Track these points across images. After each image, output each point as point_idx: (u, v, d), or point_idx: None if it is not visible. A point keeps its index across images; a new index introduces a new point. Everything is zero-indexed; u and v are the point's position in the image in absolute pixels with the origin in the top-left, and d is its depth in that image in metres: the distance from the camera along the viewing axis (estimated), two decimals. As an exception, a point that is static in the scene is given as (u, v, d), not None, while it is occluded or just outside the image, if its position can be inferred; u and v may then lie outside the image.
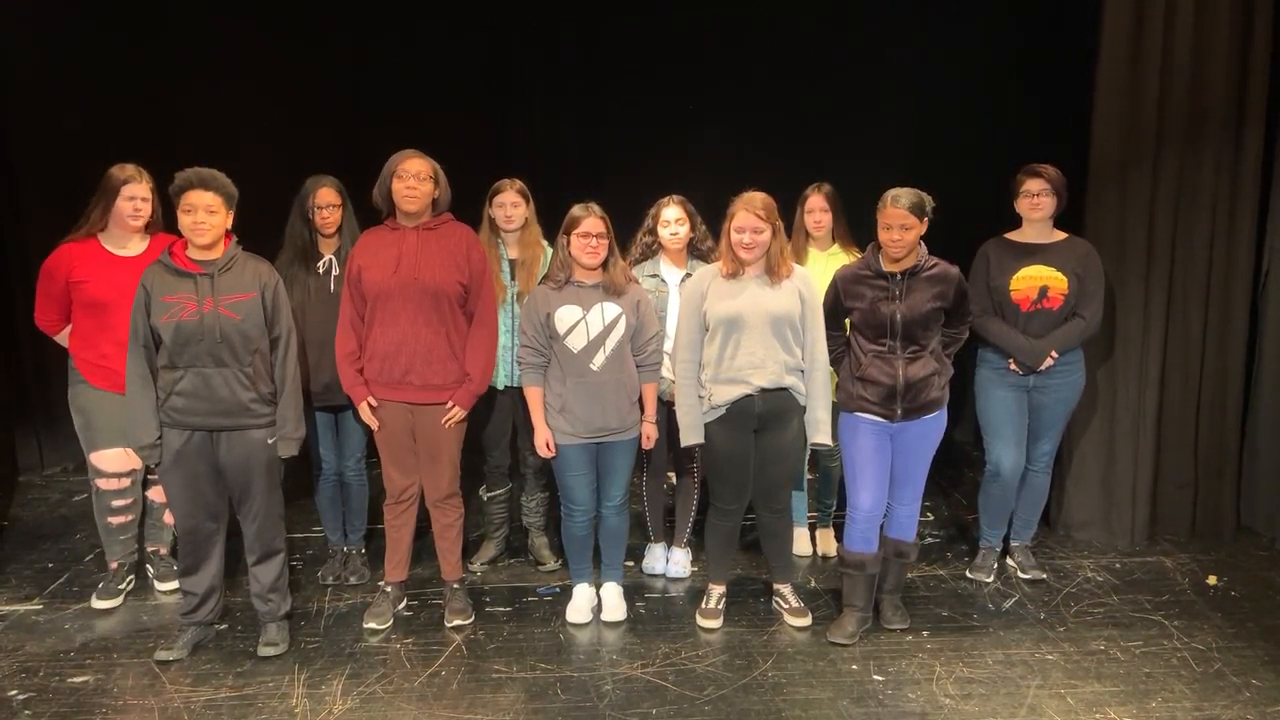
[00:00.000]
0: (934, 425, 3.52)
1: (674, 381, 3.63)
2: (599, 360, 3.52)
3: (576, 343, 3.50)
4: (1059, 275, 3.84)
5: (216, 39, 5.15)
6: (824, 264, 4.00)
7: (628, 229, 3.91)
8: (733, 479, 3.58)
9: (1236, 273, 4.34)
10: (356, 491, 4.04)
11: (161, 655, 3.45)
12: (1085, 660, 3.46)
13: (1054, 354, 3.85)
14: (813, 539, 4.38)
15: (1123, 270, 4.25)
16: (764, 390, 3.45)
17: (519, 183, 3.91)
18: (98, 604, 3.85)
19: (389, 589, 3.77)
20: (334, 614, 3.80)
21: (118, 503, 3.82)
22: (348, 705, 3.18)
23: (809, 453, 3.97)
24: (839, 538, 3.87)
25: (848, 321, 3.57)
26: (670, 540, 4.19)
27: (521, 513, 4.29)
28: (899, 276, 3.40)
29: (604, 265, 3.53)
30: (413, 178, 3.45)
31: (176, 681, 3.32)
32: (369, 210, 3.66)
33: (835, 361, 3.59)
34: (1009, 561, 4.17)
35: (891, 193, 3.37)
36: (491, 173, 4.01)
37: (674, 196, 3.87)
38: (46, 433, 5.46)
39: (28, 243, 4.97)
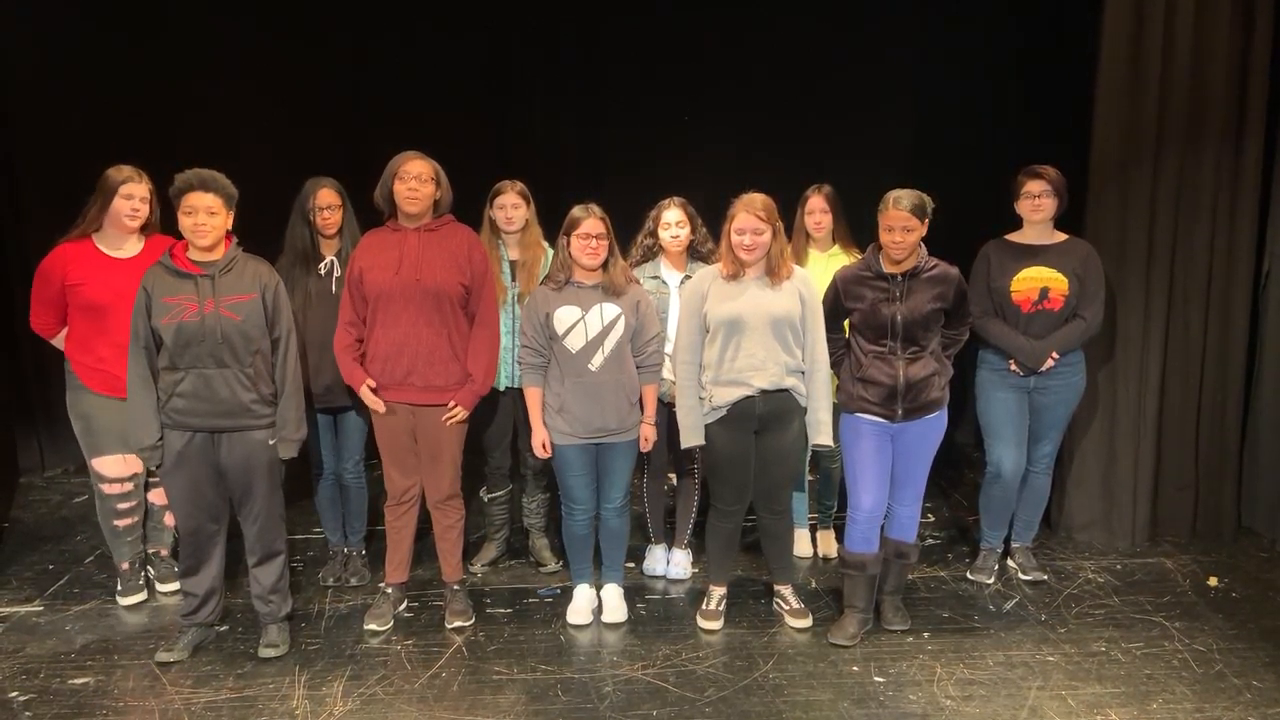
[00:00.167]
0: (934, 426, 3.52)
1: (674, 383, 3.63)
2: (597, 361, 3.51)
3: (575, 343, 3.50)
4: (1060, 276, 3.84)
5: (216, 39, 5.15)
6: (824, 265, 4.00)
7: (628, 230, 3.90)
8: (733, 480, 3.58)
9: (1237, 273, 4.33)
10: (355, 493, 4.03)
11: (162, 657, 3.45)
12: (1086, 661, 3.45)
13: (1055, 355, 3.85)
14: (813, 540, 4.37)
15: (1123, 271, 4.25)
16: (764, 392, 3.44)
17: (520, 184, 3.90)
18: (123, 601, 3.87)
19: (390, 590, 3.77)
20: (334, 615, 3.80)
21: (123, 505, 3.82)
22: (348, 707, 3.18)
23: (810, 454, 3.97)
24: (840, 539, 3.88)
25: (847, 323, 3.57)
26: (671, 542, 4.19)
27: (522, 514, 4.28)
28: (899, 278, 3.40)
29: (604, 266, 3.53)
30: (414, 179, 3.44)
31: (177, 683, 3.32)
32: (369, 211, 3.65)
33: (835, 364, 3.59)
34: (1010, 563, 4.17)
35: (893, 194, 3.36)
36: (491, 173, 4.01)
37: (675, 198, 3.87)
38: (47, 434, 5.46)
39: (28, 243, 4.96)
